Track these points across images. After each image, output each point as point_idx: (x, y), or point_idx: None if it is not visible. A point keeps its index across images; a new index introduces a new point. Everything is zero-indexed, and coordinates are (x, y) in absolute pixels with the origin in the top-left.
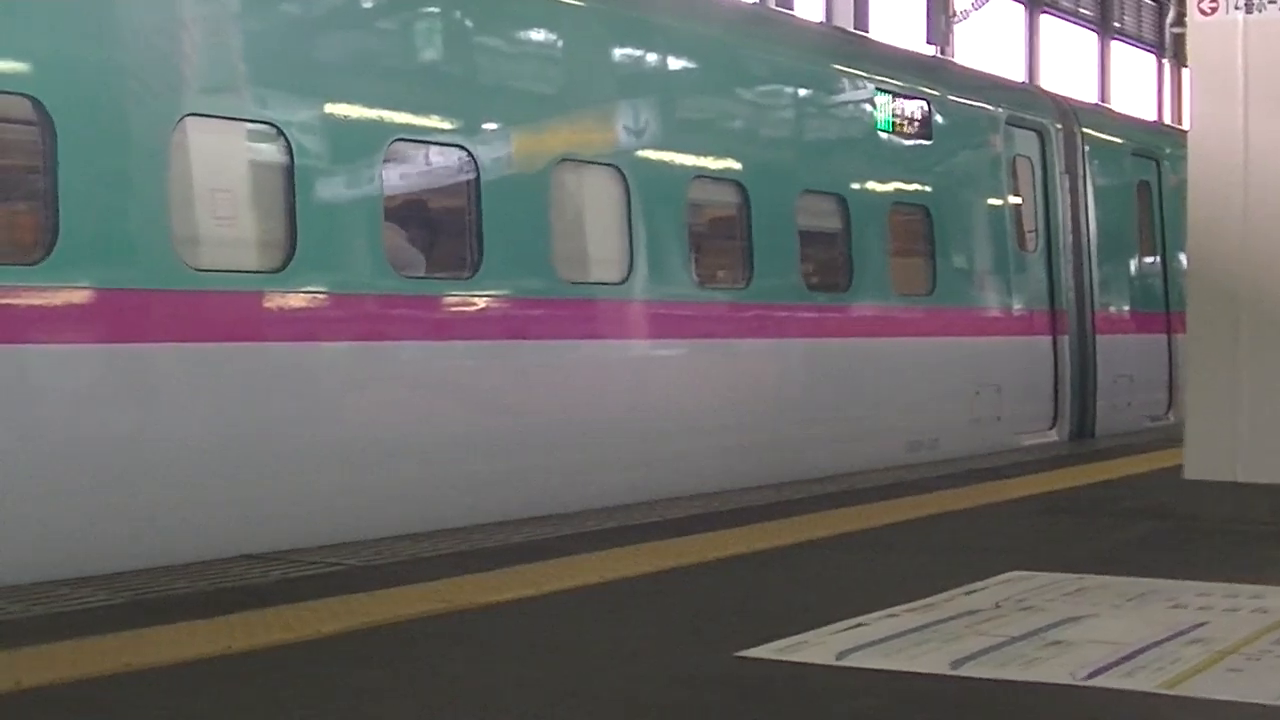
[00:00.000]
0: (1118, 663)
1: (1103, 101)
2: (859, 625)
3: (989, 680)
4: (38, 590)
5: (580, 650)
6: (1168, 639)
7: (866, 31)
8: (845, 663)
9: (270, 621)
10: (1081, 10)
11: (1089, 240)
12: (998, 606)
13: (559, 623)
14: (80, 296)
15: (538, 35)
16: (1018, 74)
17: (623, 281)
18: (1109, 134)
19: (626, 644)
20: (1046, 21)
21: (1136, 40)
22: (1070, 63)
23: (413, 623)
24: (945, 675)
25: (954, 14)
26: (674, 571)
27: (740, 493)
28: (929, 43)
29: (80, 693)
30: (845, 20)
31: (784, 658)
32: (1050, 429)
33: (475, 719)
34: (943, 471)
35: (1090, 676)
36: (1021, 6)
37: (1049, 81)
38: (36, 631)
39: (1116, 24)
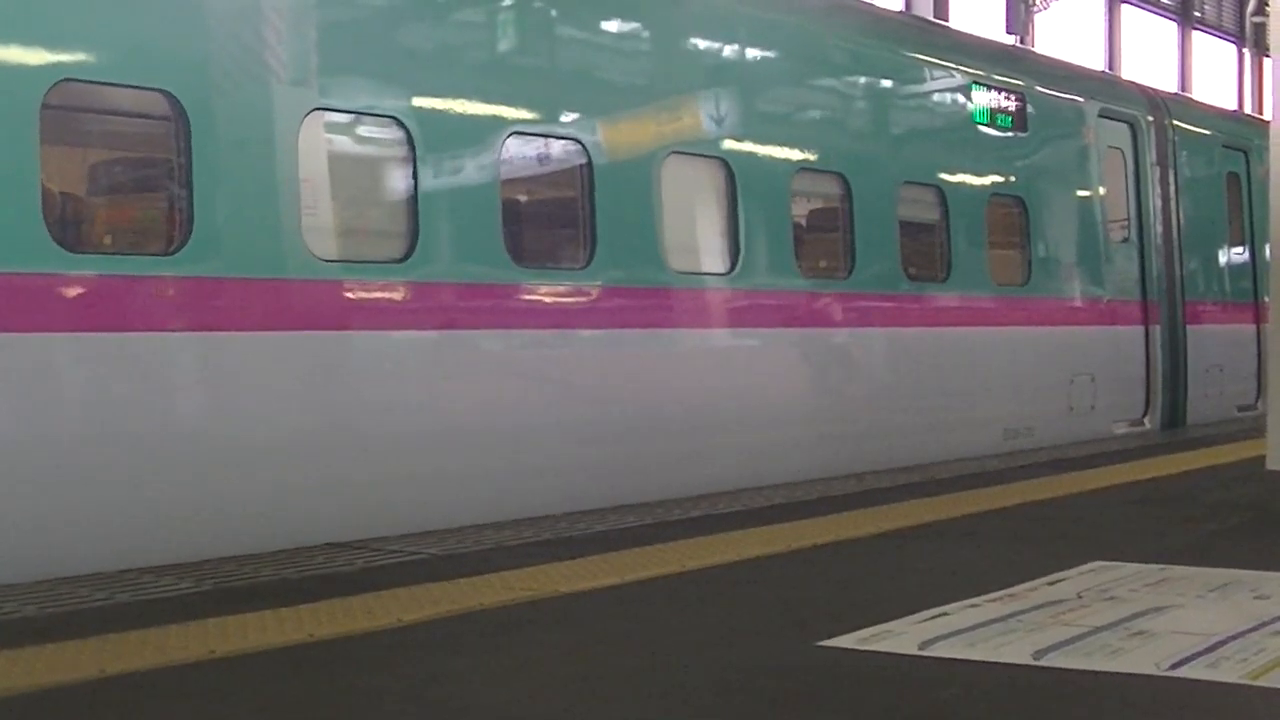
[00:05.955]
0: (1202, 653)
1: (1183, 92)
2: (942, 615)
3: (1072, 670)
4: (123, 577)
5: (665, 638)
6: (1252, 630)
7: (946, 21)
8: (928, 653)
9: (354, 609)
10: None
11: (1179, 231)
12: (1080, 597)
13: (643, 611)
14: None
15: (629, 26)
16: (1097, 64)
17: (729, 271)
18: (1199, 126)
19: (710, 633)
20: (1126, 11)
21: (1217, 30)
22: (1150, 53)
23: (497, 611)
24: (1028, 665)
25: (1034, 4)
26: (758, 560)
27: (823, 482)
28: (1009, 32)
29: (164, 679)
30: (925, 10)
31: (866, 647)
32: (1142, 418)
33: (561, 706)
34: (1036, 460)
35: (1174, 667)
36: None
37: (1128, 71)
38: (122, 618)
39: (1197, 13)
